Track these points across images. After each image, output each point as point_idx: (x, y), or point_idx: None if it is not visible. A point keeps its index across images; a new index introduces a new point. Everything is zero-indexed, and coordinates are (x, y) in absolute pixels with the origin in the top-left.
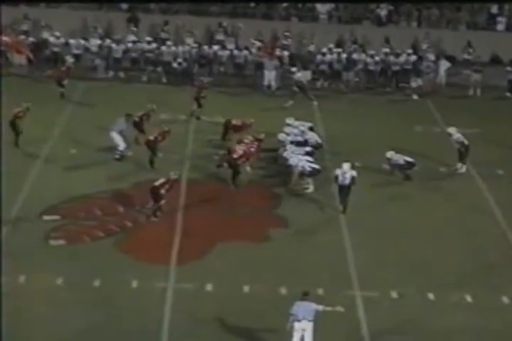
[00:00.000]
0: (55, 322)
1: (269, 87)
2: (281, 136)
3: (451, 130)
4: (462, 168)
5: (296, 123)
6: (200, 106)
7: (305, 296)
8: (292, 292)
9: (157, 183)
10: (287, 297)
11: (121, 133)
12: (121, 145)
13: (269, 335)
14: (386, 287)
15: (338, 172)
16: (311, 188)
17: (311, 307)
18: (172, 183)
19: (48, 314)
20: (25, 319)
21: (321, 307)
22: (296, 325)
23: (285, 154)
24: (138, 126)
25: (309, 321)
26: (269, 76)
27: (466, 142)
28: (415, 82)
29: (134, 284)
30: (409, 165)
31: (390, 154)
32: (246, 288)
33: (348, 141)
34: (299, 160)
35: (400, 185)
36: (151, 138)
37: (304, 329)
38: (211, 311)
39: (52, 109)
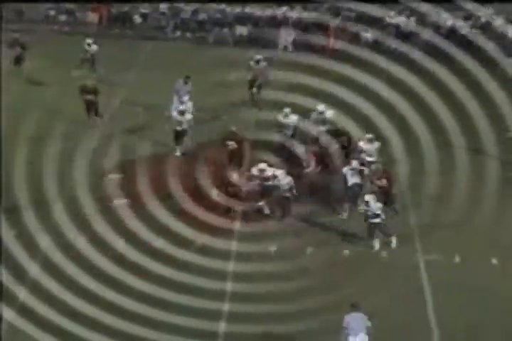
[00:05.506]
0: None
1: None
2: None
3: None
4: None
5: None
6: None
7: (354, 308)
8: None
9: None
10: None
11: (178, 94)
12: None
13: None
14: None
15: None
16: None
17: (364, 320)
18: None
19: None
20: None
21: (369, 324)
22: (351, 339)
23: None
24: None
25: (366, 334)
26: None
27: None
28: None
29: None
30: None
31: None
32: None
33: None
34: None
35: None
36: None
37: None
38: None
39: (120, 69)
